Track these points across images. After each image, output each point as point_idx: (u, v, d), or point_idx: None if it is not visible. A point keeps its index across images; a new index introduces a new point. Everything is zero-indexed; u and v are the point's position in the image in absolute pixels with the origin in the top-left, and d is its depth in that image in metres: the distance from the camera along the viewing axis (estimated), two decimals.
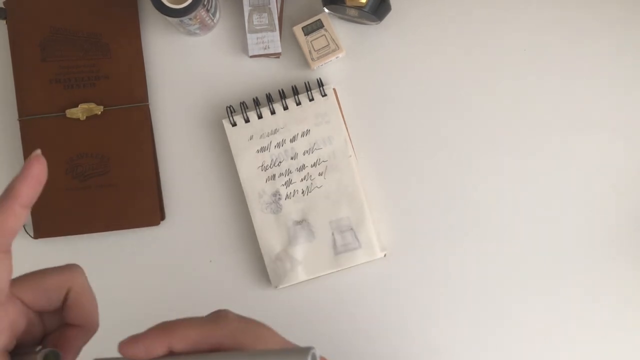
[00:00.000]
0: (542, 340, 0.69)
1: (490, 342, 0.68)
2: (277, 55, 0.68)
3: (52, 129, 0.67)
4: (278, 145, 0.67)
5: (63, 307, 0.36)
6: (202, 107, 0.69)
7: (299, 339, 0.71)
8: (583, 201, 0.69)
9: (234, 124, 0.67)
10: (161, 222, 0.68)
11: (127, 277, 0.69)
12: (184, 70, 0.69)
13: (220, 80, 0.69)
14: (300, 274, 0.67)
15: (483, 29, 0.69)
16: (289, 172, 0.67)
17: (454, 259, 0.69)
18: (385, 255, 0.68)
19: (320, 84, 0.68)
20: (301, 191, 0.67)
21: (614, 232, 0.69)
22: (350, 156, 0.67)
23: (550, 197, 0.69)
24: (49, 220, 0.67)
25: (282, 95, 0.67)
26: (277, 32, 0.67)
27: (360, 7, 0.62)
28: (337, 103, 0.67)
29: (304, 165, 0.67)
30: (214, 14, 0.66)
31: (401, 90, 0.69)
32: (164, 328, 0.37)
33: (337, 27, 0.68)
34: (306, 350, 0.36)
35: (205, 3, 0.61)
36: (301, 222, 0.67)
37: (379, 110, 0.69)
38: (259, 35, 0.67)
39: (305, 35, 0.66)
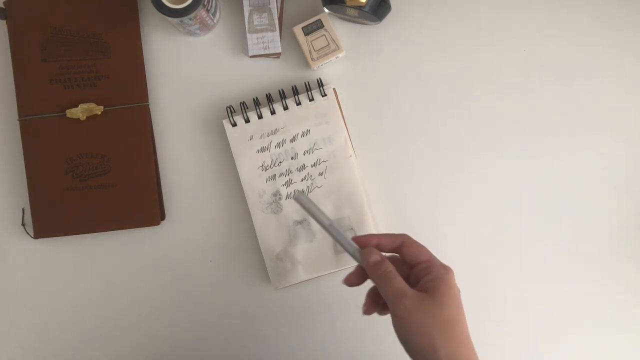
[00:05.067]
0: (542, 340, 0.69)
1: (489, 341, 0.68)
2: (277, 55, 0.68)
3: (52, 129, 0.67)
4: (278, 145, 0.67)
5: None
6: (202, 107, 0.69)
7: (299, 339, 0.71)
8: (584, 201, 0.69)
9: (234, 124, 0.67)
10: (161, 222, 0.68)
11: (127, 276, 0.69)
12: (184, 70, 0.69)
13: (220, 80, 0.69)
14: (301, 274, 0.67)
15: (483, 29, 0.69)
16: (289, 172, 0.67)
17: (454, 259, 0.69)
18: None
19: (320, 84, 0.68)
20: (301, 191, 0.67)
21: (615, 233, 0.69)
22: (350, 156, 0.67)
23: (552, 197, 0.69)
24: (49, 220, 0.67)
25: (282, 95, 0.67)
26: (277, 32, 0.67)
27: (360, 7, 0.62)
28: (337, 103, 0.67)
29: (304, 165, 0.67)
30: (214, 14, 0.66)
31: (401, 90, 0.69)
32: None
33: (337, 27, 0.68)
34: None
35: (205, 3, 0.61)
36: (301, 222, 0.67)
37: (379, 110, 0.69)
38: (259, 35, 0.67)
39: (305, 35, 0.66)
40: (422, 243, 0.69)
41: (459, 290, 0.52)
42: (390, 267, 0.52)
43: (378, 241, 0.54)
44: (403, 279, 0.51)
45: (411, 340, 0.49)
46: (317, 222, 0.55)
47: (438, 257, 0.71)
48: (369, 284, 0.55)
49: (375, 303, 0.55)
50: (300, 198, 0.55)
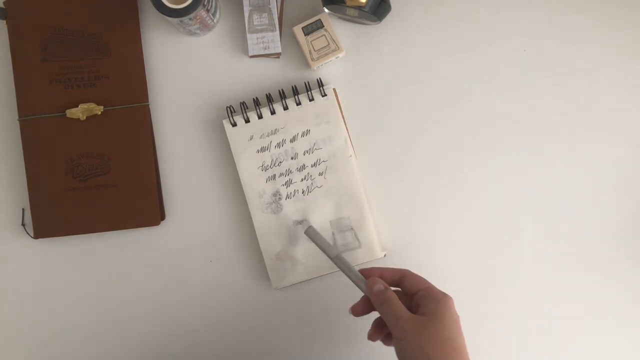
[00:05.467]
0: (542, 340, 0.69)
1: (489, 341, 0.68)
2: (277, 55, 0.68)
3: (52, 129, 0.67)
4: (278, 145, 0.67)
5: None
6: (202, 107, 0.69)
7: (299, 339, 0.71)
8: (584, 201, 0.69)
9: (234, 124, 0.67)
10: (161, 222, 0.68)
11: (127, 277, 0.69)
12: (184, 70, 0.69)
13: (220, 80, 0.69)
14: (300, 274, 0.67)
15: (483, 29, 0.69)
16: (289, 172, 0.67)
17: (454, 259, 0.69)
18: (385, 255, 0.68)
19: (320, 84, 0.68)
20: (301, 191, 0.67)
21: (615, 233, 0.69)
22: (350, 156, 0.67)
23: (552, 197, 0.69)
24: (49, 220, 0.67)
25: (282, 95, 0.67)
26: (277, 32, 0.67)
27: (360, 7, 0.62)
28: (337, 103, 0.67)
29: (304, 165, 0.67)
30: (214, 14, 0.66)
31: (401, 90, 0.69)
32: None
33: (337, 27, 0.68)
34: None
35: (205, 3, 0.61)
36: (301, 221, 0.67)
37: (379, 110, 0.69)
38: (259, 35, 0.67)
39: (305, 35, 0.66)
40: (422, 243, 0.69)
41: (459, 317, 0.54)
42: (392, 294, 0.55)
43: (380, 273, 0.58)
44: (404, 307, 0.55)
45: None
46: (325, 253, 0.61)
47: (438, 258, 0.71)
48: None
49: (380, 331, 0.58)
50: (309, 232, 0.61)
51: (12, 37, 0.67)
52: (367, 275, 0.58)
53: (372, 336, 0.59)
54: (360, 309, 0.58)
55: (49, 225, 0.67)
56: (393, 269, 0.59)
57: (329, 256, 0.60)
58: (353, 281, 0.59)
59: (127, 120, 0.67)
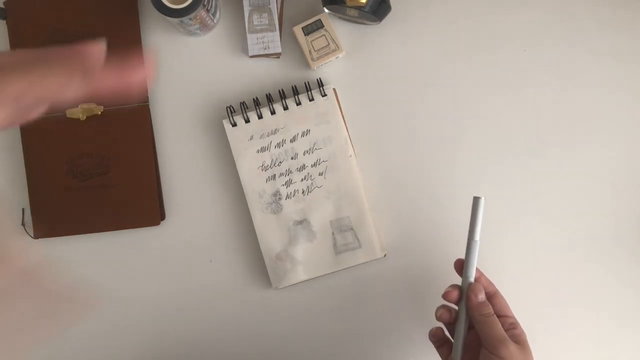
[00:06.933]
0: (541, 340, 0.69)
1: None
2: (277, 55, 0.68)
3: (52, 129, 0.67)
4: (278, 145, 0.67)
5: None
6: (202, 107, 0.69)
7: (299, 339, 0.71)
8: (583, 201, 0.69)
9: (234, 124, 0.67)
10: (161, 222, 0.68)
11: (127, 277, 0.69)
12: (184, 70, 0.69)
13: (220, 80, 0.69)
14: (300, 274, 0.67)
15: (483, 30, 0.69)
16: (289, 172, 0.67)
17: (452, 259, 0.69)
18: (385, 255, 0.68)
19: (320, 84, 0.68)
20: (301, 191, 0.67)
21: (614, 232, 0.69)
22: (351, 156, 0.67)
23: (551, 198, 0.69)
24: (49, 220, 0.67)
25: (282, 95, 0.67)
26: (277, 32, 0.67)
27: (360, 7, 0.62)
28: (337, 103, 0.67)
29: (304, 165, 0.67)
30: (214, 14, 0.66)
31: (401, 90, 0.69)
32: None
33: (337, 27, 0.68)
34: None
35: (205, 3, 0.61)
36: (301, 222, 0.67)
37: (379, 110, 0.69)
38: (259, 35, 0.67)
39: (305, 35, 0.66)
40: (422, 243, 0.69)
41: None
42: (492, 310, 0.58)
43: (479, 275, 0.61)
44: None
45: None
46: (470, 233, 0.60)
47: (438, 258, 0.71)
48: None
49: (445, 336, 0.62)
50: (477, 202, 0.60)
51: (12, 37, 0.67)
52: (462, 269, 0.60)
53: (435, 336, 0.61)
54: (456, 299, 0.60)
55: (49, 225, 0.67)
56: (488, 279, 0.61)
57: (471, 237, 0.60)
58: (462, 272, 0.60)
59: (127, 120, 0.67)
